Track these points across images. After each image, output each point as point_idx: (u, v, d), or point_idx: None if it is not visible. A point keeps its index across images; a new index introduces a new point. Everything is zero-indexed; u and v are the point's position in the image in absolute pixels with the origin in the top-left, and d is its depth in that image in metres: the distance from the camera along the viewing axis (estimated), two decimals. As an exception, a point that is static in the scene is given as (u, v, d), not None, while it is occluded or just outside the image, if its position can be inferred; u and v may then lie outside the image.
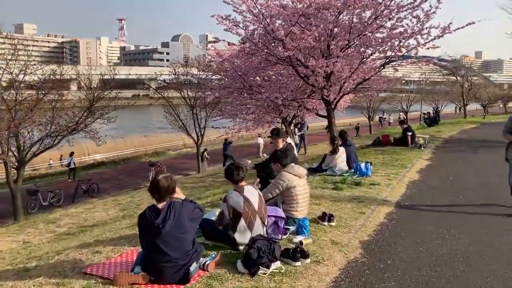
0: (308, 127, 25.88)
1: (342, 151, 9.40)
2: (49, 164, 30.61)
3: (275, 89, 16.52)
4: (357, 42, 15.81)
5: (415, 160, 11.67)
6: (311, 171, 9.61)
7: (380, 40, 15.55)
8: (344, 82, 17.21)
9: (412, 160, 11.49)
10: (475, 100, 48.52)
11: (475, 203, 7.11)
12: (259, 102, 17.32)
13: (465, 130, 22.94)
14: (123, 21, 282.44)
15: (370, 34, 15.39)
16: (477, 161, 12.15)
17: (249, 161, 7.47)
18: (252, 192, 4.68)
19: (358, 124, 46.28)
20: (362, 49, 16.28)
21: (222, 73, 17.79)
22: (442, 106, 53.65)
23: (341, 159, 9.31)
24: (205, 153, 27.33)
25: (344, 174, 9.08)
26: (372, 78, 17.52)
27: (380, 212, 6.33)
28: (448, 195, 7.67)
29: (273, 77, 16.62)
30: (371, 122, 45.35)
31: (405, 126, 15.00)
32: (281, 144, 7.14)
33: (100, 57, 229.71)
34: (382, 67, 16.86)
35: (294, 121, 25.65)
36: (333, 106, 17.95)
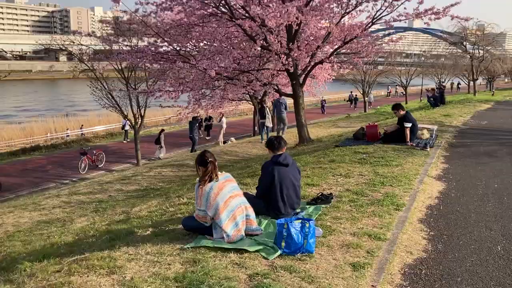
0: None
1: (221, 181, 4.21)
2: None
3: (210, 54, 11.21)
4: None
5: (417, 179, 6.49)
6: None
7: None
8: (317, 47, 11.93)
9: (412, 182, 6.30)
10: (486, 73, 42.88)
11: None
12: (182, 74, 12.02)
13: (480, 113, 17.69)
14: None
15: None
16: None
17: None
18: None
19: (353, 94, 42.43)
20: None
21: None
22: (446, 81, 48.36)
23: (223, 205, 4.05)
24: (162, 134, 22.18)
25: (250, 248, 3.88)
26: (357, 39, 12.24)
27: None
28: None
29: (205, 37, 11.23)
30: (365, 98, 39.97)
31: (402, 113, 9.70)
32: None
33: (93, 27, 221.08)
34: (370, 24, 11.54)
35: (266, 98, 20.40)
36: (301, 81, 12.70)
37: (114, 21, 14.07)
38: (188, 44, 13.58)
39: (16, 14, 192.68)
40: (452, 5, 10.24)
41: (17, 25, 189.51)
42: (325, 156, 8.55)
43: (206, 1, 10.30)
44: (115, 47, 15.34)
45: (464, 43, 36.48)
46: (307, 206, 5.08)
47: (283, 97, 14.51)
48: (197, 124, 21.38)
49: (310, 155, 8.87)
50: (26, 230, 8.02)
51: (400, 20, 11.09)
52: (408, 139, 9.44)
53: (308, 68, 12.43)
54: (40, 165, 21.00)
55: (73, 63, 19.79)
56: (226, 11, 10.41)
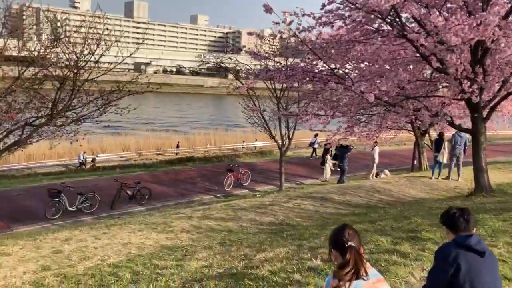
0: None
1: (371, 282, 2.51)
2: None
3: (370, 76, 9.46)
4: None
5: None
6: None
7: None
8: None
9: None
10: None
11: None
12: (335, 97, 10.42)
13: None
14: (286, 13, 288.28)
15: None
16: None
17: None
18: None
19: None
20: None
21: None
22: None
23: None
24: (328, 155, 21.19)
25: None
26: None
27: None
28: None
29: (367, 57, 9.52)
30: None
31: None
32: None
33: (261, 46, 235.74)
34: None
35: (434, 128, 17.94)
36: (484, 115, 10.11)
37: (270, 38, 13.46)
38: (347, 64, 12.09)
39: (197, 35, 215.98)
40: None
41: (196, 44, 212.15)
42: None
43: (372, 15, 8.65)
44: (270, 64, 14.67)
45: None
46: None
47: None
48: (348, 153, 19.61)
49: (498, 217, 6.47)
50: (146, 257, 7.34)
51: None
52: None
53: (496, 99, 9.81)
54: (190, 176, 21.51)
55: (231, 80, 20.02)
56: (396, 25, 8.60)
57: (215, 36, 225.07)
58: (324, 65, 10.40)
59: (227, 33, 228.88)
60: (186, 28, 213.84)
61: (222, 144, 36.78)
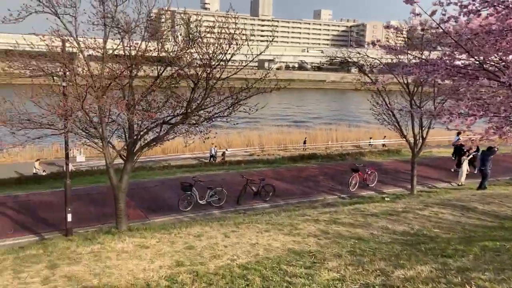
0: None
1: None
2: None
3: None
4: None
5: None
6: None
7: None
8: None
9: None
10: None
11: None
12: (485, 95, 9.06)
13: None
14: (415, 3, 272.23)
15: None
16: None
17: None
18: None
19: None
20: None
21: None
22: None
23: None
24: (465, 157, 19.36)
25: None
26: None
27: None
28: None
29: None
30: None
31: None
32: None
33: (387, 39, 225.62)
34: None
35: None
36: None
37: (405, 29, 12.48)
38: (493, 56, 10.59)
39: (320, 29, 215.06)
40: None
41: (319, 39, 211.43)
42: None
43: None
44: (402, 58, 13.61)
45: None
46: None
47: None
48: (492, 156, 17.52)
49: None
50: (274, 260, 7.19)
51: None
52: None
53: None
54: (312, 174, 21.17)
55: (357, 75, 19.18)
56: None
57: (338, 30, 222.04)
58: (470, 58, 9.20)
59: (351, 26, 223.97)
60: (309, 24, 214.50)
61: (344, 140, 35.92)
